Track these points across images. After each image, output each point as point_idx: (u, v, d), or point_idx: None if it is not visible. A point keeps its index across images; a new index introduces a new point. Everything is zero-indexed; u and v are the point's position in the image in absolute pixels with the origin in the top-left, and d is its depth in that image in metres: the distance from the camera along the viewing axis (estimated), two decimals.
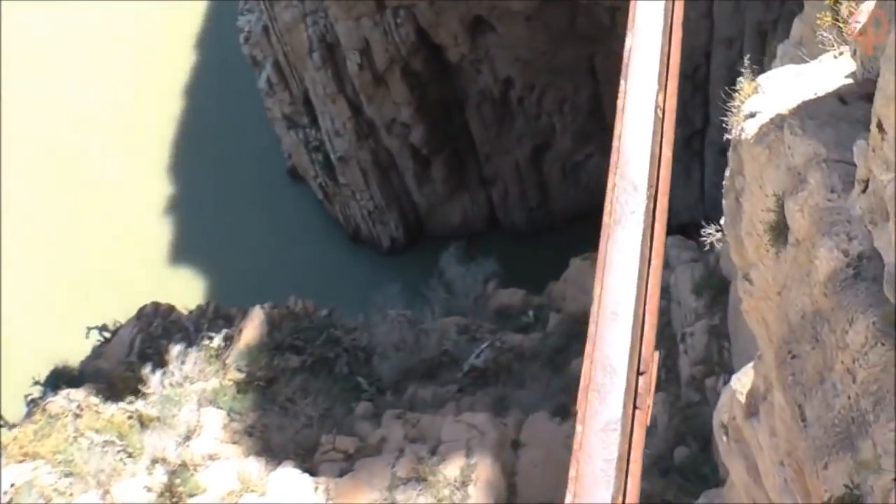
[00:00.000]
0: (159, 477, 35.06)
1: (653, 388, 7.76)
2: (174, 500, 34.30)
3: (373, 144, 60.38)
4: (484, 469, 35.58)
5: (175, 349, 40.76)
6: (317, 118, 61.07)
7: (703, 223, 46.58)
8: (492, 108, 61.21)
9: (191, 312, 47.61)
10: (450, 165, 62.25)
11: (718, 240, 19.03)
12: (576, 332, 46.19)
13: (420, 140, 60.20)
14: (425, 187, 62.84)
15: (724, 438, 20.48)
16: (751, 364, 19.77)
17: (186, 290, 55.98)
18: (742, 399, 19.45)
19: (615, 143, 9.53)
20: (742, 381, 19.48)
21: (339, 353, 45.87)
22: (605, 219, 9.05)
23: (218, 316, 47.79)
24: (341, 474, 36.66)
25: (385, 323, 47.83)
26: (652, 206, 9.21)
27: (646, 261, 8.64)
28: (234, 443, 37.94)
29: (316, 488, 35.68)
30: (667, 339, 41.50)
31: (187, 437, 36.93)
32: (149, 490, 34.67)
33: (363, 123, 59.70)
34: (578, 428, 8.30)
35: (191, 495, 34.49)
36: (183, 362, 39.91)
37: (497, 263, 53.52)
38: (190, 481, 34.68)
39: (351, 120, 59.39)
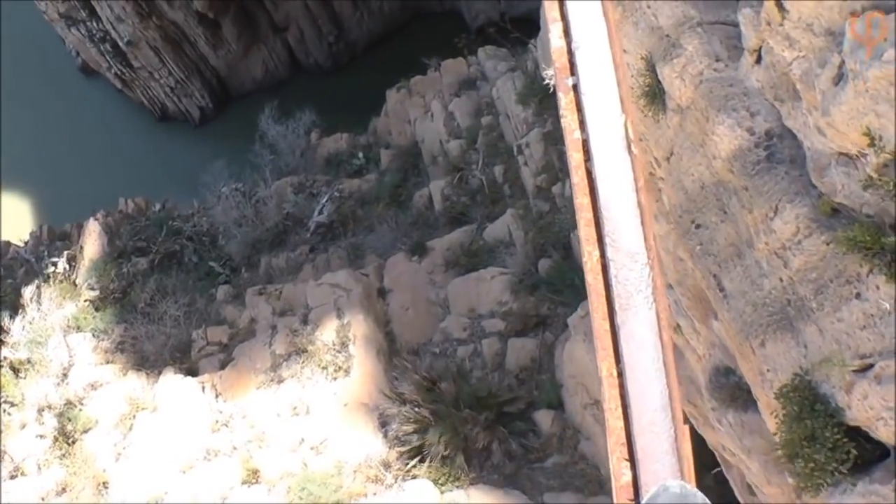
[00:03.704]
0: (49, 422, 34.83)
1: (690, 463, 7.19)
2: (69, 441, 34.22)
3: (157, 21, 58.58)
4: (358, 325, 35.94)
5: (27, 291, 39.99)
6: (94, 9, 58.69)
7: (504, 25, 46.90)
8: None
9: (26, 243, 46.58)
10: (239, 22, 60.93)
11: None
12: (410, 165, 46.70)
13: (204, 5, 58.55)
14: (221, 50, 61.62)
15: None
16: None
17: (13, 219, 54.32)
18: None
19: (583, 200, 7.37)
20: None
21: (183, 243, 45.58)
22: (598, 309, 7.37)
23: (54, 238, 46.91)
24: (222, 366, 36.79)
25: (221, 201, 47.38)
26: (654, 275, 7.55)
27: (668, 348, 7.38)
28: (109, 363, 37.69)
29: (202, 388, 35.87)
30: (503, 153, 42.15)
31: (64, 375, 36.59)
32: (42, 437, 34.49)
33: (142, 3, 57.72)
34: None
35: (84, 431, 34.43)
36: (39, 302, 39.21)
37: (313, 112, 53.00)
38: (80, 418, 34.47)
39: (129, 2, 57.36)
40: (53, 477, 33.51)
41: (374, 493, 31.66)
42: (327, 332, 36.11)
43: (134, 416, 34.99)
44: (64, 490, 33.12)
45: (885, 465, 10.94)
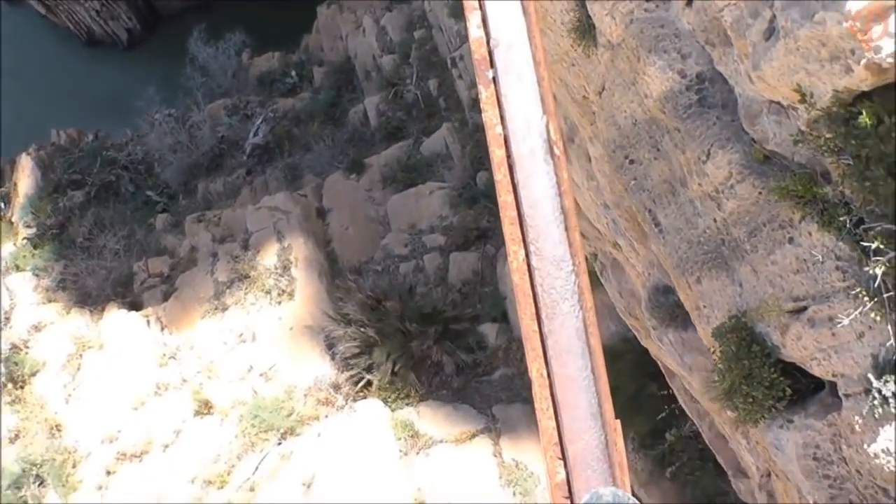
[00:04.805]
0: None
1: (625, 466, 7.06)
2: (18, 385, 34.10)
3: None
4: (299, 248, 35.98)
5: None
6: None
7: None
8: None
9: None
10: None
11: None
12: (344, 81, 46.29)
13: None
14: None
15: None
16: None
17: None
18: None
19: (507, 198, 6.97)
20: None
21: (118, 173, 45.14)
22: (525, 310, 7.11)
23: None
24: (165, 298, 36.76)
25: (154, 128, 46.81)
26: (579, 281, 7.15)
27: (596, 353, 7.08)
28: (51, 301, 37.49)
29: (147, 322, 35.79)
30: (437, 66, 41.90)
31: (7, 319, 36.34)
32: None
33: None
34: None
35: (32, 374, 34.30)
36: None
37: (243, 32, 52.07)
38: (27, 361, 34.36)
39: None
40: (5, 424, 33.42)
41: (326, 416, 31.88)
42: (268, 256, 36.15)
43: (81, 356, 34.89)
44: (17, 436, 33.06)
45: (819, 399, 11.30)
